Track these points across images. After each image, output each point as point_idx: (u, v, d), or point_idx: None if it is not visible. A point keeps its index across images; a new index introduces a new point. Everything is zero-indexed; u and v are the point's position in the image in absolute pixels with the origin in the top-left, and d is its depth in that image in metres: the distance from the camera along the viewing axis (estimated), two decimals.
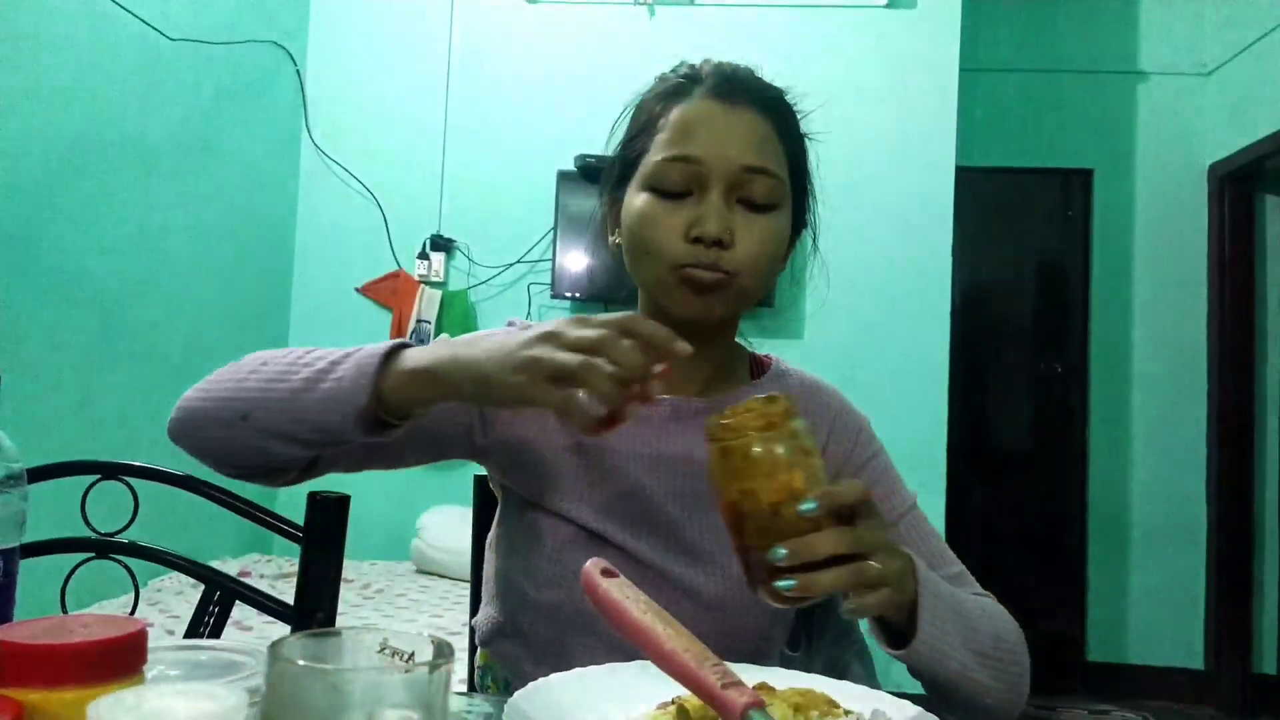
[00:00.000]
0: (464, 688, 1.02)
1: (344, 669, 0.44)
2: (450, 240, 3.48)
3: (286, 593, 1.05)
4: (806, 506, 0.64)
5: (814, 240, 1.01)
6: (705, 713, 0.59)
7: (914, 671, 0.75)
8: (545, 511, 0.91)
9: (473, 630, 1.03)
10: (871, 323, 3.28)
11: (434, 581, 2.93)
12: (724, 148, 0.86)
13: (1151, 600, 3.84)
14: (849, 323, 3.25)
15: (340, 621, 1.15)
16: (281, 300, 3.51)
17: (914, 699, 0.68)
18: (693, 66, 0.94)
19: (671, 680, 0.57)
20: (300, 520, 1.02)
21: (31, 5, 2.25)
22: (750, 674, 0.66)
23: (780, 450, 0.65)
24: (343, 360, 0.76)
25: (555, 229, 3.37)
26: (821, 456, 0.68)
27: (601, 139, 1.00)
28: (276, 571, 2.91)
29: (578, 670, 0.70)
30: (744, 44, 2.84)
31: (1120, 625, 3.87)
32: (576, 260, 3.34)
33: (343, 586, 1.06)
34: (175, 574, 2.27)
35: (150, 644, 0.48)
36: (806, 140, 0.95)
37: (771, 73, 0.95)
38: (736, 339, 1.00)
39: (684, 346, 0.68)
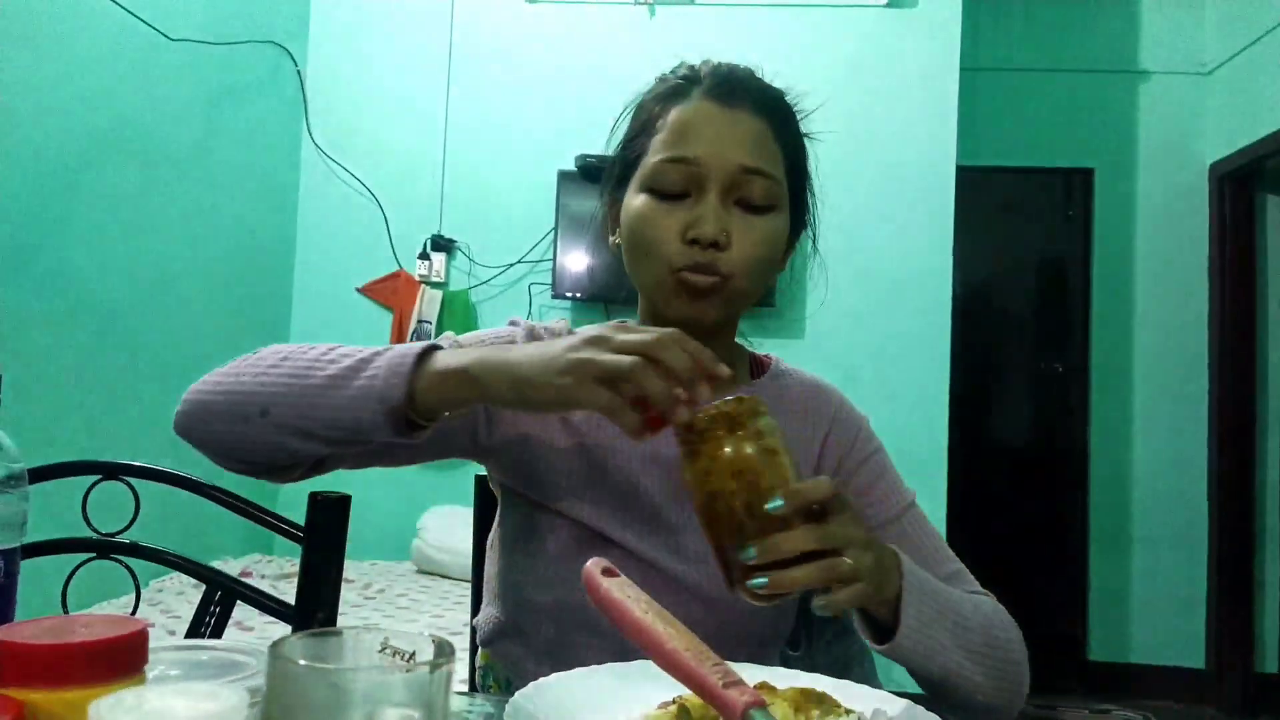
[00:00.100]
0: (465, 687, 1.02)
1: (345, 669, 0.44)
2: (451, 240, 3.48)
3: (287, 593, 1.05)
4: (773, 505, 0.65)
5: (814, 240, 1.01)
6: (706, 712, 0.59)
7: (908, 669, 0.76)
8: (546, 511, 0.91)
9: (474, 630, 1.03)
10: (872, 323, 3.28)
11: (434, 581, 2.93)
12: (721, 149, 0.86)
13: (1152, 599, 3.84)
14: (849, 323, 3.25)
15: (341, 621, 1.15)
16: (282, 300, 3.51)
17: (915, 698, 0.68)
18: (692, 67, 0.94)
19: (673, 680, 0.57)
20: (301, 520, 1.02)
21: (32, 5, 2.25)
22: (751, 673, 0.66)
23: (747, 450, 0.66)
24: (373, 359, 0.76)
25: (556, 229, 3.37)
26: (794, 454, 0.69)
27: (602, 139, 1.00)
28: (277, 572, 2.91)
29: (579, 670, 0.70)
30: (744, 44, 2.84)
31: (1121, 624, 3.87)
32: (577, 260, 3.34)
33: (343, 586, 1.06)
34: (176, 574, 2.26)
35: (151, 644, 0.48)
36: (806, 140, 0.95)
37: (771, 72, 0.96)
38: (736, 339, 1.00)
39: (724, 370, 0.69)
